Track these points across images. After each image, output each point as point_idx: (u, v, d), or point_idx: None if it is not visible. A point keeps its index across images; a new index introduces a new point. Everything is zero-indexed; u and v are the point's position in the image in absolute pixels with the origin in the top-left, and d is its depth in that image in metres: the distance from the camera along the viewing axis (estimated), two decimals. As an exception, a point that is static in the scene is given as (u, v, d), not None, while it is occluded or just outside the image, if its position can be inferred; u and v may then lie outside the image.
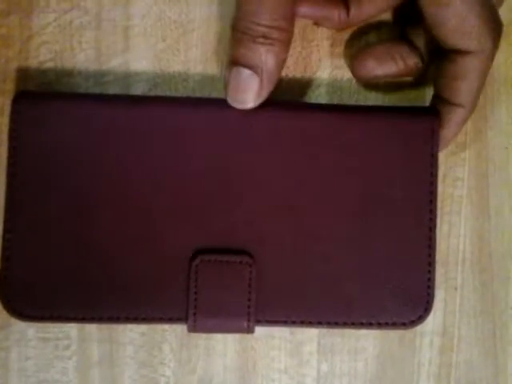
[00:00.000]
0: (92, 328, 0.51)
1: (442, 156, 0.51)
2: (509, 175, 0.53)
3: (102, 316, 0.48)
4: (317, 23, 0.52)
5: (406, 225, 0.49)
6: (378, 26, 0.53)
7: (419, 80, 0.53)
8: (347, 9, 0.50)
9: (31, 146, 0.48)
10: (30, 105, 0.48)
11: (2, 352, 0.51)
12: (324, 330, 0.52)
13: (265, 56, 0.46)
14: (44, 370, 0.51)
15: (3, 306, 0.47)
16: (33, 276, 0.48)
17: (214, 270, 0.48)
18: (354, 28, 0.53)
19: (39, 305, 0.48)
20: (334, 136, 0.49)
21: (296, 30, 0.51)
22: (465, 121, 0.50)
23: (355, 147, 0.49)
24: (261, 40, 0.45)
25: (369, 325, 0.49)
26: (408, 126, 0.50)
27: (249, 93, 0.47)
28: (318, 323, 0.49)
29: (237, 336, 0.52)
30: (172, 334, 0.51)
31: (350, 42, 0.53)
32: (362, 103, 0.53)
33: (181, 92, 0.52)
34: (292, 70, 0.53)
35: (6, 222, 0.48)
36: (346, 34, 0.53)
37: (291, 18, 0.46)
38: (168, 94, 0.52)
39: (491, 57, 0.48)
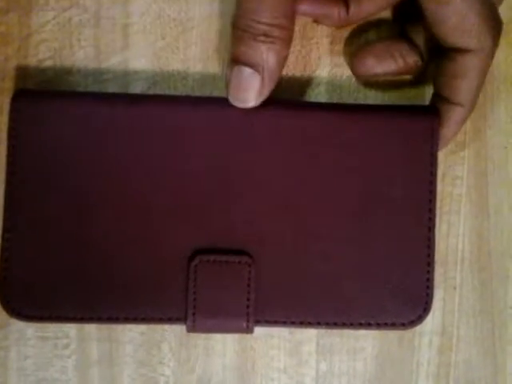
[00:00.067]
0: (91, 327, 0.51)
1: (441, 155, 0.51)
2: (508, 174, 0.53)
3: (101, 316, 0.48)
4: (316, 21, 0.52)
5: (406, 224, 0.49)
6: (377, 24, 0.53)
7: (419, 78, 0.53)
8: (347, 7, 0.50)
9: (30, 144, 0.48)
10: (29, 103, 0.48)
11: (2, 351, 0.51)
12: (323, 330, 0.52)
13: (266, 54, 0.46)
14: (43, 368, 0.51)
15: (2, 306, 0.47)
16: (32, 276, 0.47)
17: (213, 270, 0.48)
18: (354, 26, 0.53)
19: (38, 305, 0.48)
20: (333, 135, 0.49)
21: (295, 28, 0.51)
22: (464, 120, 0.50)
23: (355, 146, 0.49)
24: (262, 38, 0.45)
25: (368, 325, 0.49)
26: (408, 125, 0.50)
27: (250, 91, 0.47)
28: (318, 324, 0.49)
29: (236, 336, 0.52)
30: (171, 333, 0.51)
31: (350, 40, 0.53)
32: (362, 101, 0.53)
33: (180, 90, 0.52)
34: (291, 69, 0.53)
35: (5, 221, 0.48)
36: (345, 32, 0.53)
37: (292, 16, 0.46)
38: (167, 92, 0.52)
39: (491, 55, 0.48)
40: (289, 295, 0.49)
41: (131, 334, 0.51)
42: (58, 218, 0.48)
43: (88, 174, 0.48)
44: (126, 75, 0.52)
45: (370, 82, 0.53)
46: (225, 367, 0.52)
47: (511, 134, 0.54)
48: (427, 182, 0.49)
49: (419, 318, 0.49)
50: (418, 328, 0.51)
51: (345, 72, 0.53)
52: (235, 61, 0.46)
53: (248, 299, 0.48)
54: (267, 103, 0.48)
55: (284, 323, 0.49)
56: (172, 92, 0.52)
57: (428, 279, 0.49)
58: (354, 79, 0.53)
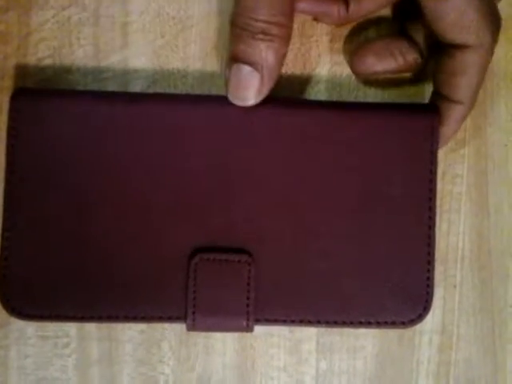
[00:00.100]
0: (91, 326, 0.51)
1: (441, 153, 0.51)
2: (508, 172, 0.53)
3: (101, 315, 0.48)
4: (316, 19, 0.52)
5: (406, 222, 0.49)
6: (377, 22, 0.53)
7: (419, 76, 0.53)
8: (346, 4, 0.50)
9: (30, 143, 0.48)
10: (28, 102, 0.48)
11: (2, 350, 0.51)
12: (323, 329, 0.52)
13: (265, 52, 0.46)
14: (43, 368, 0.51)
15: (2, 305, 0.47)
16: (32, 275, 0.47)
17: (213, 268, 0.48)
18: (354, 24, 0.53)
19: (38, 304, 0.48)
20: (333, 133, 0.49)
21: (295, 26, 0.51)
22: (464, 118, 0.50)
23: (355, 144, 0.49)
24: (260, 36, 0.45)
25: (368, 324, 0.49)
26: (407, 123, 0.49)
27: (250, 90, 0.47)
28: (318, 322, 0.49)
29: (236, 334, 0.52)
30: (171, 332, 0.51)
31: (350, 38, 0.53)
32: (362, 99, 0.53)
33: (180, 88, 0.52)
34: (291, 67, 0.53)
35: (4, 220, 0.48)
36: (345, 30, 0.53)
37: (290, 14, 0.46)
38: (167, 90, 0.52)
39: (490, 51, 0.48)
40: (289, 294, 0.49)
41: (131, 332, 0.51)
42: (58, 217, 0.48)
43: (88, 173, 0.48)
44: (126, 74, 0.52)
45: (369, 80, 0.53)
46: (225, 366, 0.52)
47: (511, 132, 0.53)
48: (427, 180, 0.49)
49: (419, 317, 0.49)
50: (418, 326, 0.51)
51: (344, 70, 0.53)
52: (234, 59, 0.46)
53: (248, 298, 0.48)
54: (267, 101, 0.48)
55: (284, 322, 0.49)
56: (172, 90, 0.52)
57: (428, 278, 0.49)
58: (353, 77, 0.53)
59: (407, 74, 0.53)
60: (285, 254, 0.49)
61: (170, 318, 0.48)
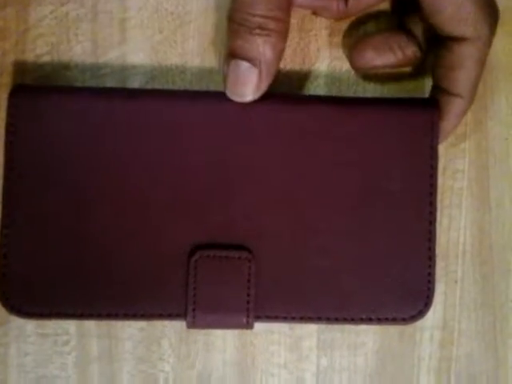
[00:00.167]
0: (91, 324, 0.51)
1: (441, 148, 0.51)
2: (509, 167, 0.53)
3: (100, 312, 0.48)
4: (315, 13, 0.52)
5: (406, 218, 0.49)
6: (376, 16, 0.53)
7: (418, 70, 0.53)
8: (346, -1, 0.50)
9: (28, 139, 0.48)
10: (26, 98, 0.48)
11: (1, 348, 0.51)
12: (323, 325, 0.52)
13: (262, 47, 0.46)
14: (43, 365, 0.51)
15: (2, 303, 0.47)
16: (31, 272, 0.47)
17: (212, 265, 0.48)
18: (353, 18, 0.53)
19: (38, 302, 0.47)
20: (332, 128, 0.49)
21: (294, 21, 0.51)
22: (464, 112, 0.49)
23: (354, 140, 0.49)
24: (257, 31, 0.45)
25: (369, 320, 0.49)
26: (407, 118, 0.49)
27: (248, 86, 0.47)
28: (318, 319, 0.49)
29: (236, 331, 0.52)
30: (171, 329, 0.51)
31: (349, 32, 0.53)
32: (361, 94, 0.53)
33: (178, 84, 0.52)
34: (290, 61, 0.52)
35: (3, 217, 0.48)
36: (344, 24, 0.53)
37: (287, 8, 0.46)
38: (165, 86, 0.52)
39: (488, 44, 0.48)
40: (289, 290, 0.48)
41: (131, 330, 0.51)
42: (57, 214, 0.48)
43: (86, 169, 0.48)
44: (124, 70, 0.52)
45: (369, 75, 0.53)
46: (225, 363, 0.52)
47: (512, 126, 0.53)
48: (427, 175, 0.49)
49: (420, 313, 0.49)
50: (419, 322, 0.50)
51: (344, 65, 0.53)
52: (232, 55, 0.46)
53: (248, 295, 0.48)
54: (265, 97, 0.48)
55: (284, 318, 0.48)
56: (170, 86, 0.52)
57: (429, 273, 0.49)
58: (352, 72, 0.53)
59: (407, 69, 0.53)
60: (284, 250, 0.49)
61: (170, 316, 0.48)
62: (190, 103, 0.49)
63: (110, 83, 0.51)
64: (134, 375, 0.51)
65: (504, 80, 0.53)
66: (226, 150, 0.48)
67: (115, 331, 0.51)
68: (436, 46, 0.49)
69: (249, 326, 0.48)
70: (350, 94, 0.53)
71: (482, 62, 0.48)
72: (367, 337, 0.52)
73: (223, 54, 0.51)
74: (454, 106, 0.49)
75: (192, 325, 0.48)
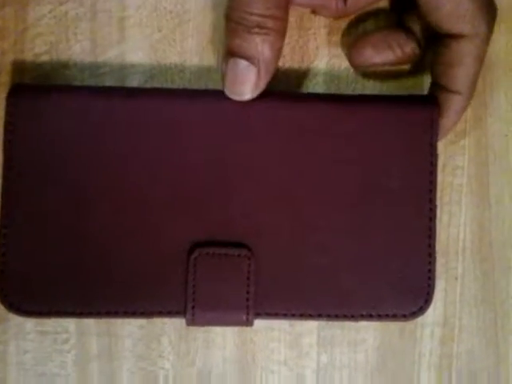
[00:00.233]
0: (90, 321, 0.51)
1: (441, 145, 0.51)
2: (509, 163, 0.53)
3: (100, 311, 0.48)
4: (314, 11, 0.52)
5: (406, 215, 0.49)
6: (375, 14, 0.53)
7: (417, 68, 0.53)
8: (344, -3, 0.50)
9: (27, 138, 0.48)
10: (25, 98, 0.48)
11: (1, 346, 0.50)
12: (324, 322, 0.51)
13: (261, 46, 0.46)
14: (42, 363, 0.51)
15: (1, 301, 0.47)
16: (30, 271, 0.47)
17: (212, 263, 0.48)
18: (352, 16, 0.53)
19: (37, 300, 0.47)
20: (332, 126, 0.49)
21: (293, 19, 0.51)
22: (463, 109, 0.49)
23: (353, 137, 0.49)
24: (256, 30, 0.45)
25: (369, 317, 0.49)
26: (407, 116, 0.49)
27: (246, 84, 0.47)
28: (318, 316, 0.49)
29: (236, 328, 0.51)
30: (171, 326, 0.51)
31: (348, 31, 0.53)
32: (360, 92, 0.53)
33: (177, 83, 0.52)
34: (289, 60, 0.52)
35: (2, 216, 0.48)
36: (343, 23, 0.53)
37: (285, 7, 0.46)
38: (164, 85, 0.52)
39: (486, 41, 0.48)
40: (288, 287, 0.48)
41: (130, 328, 0.51)
42: (56, 213, 0.48)
43: (85, 168, 0.48)
44: (123, 69, 0.52)
45: (368, 73, 0.53)
46: (225, 360, 0.51)
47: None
48: (427, 172, 0.49)
49: (421, 310, 0.49)
50: (419, 319, 0.51)
51: (343, 63, 0.53)
52: (230, 54, 0.46)
53: (248, 292, 0.48)
54: (264, 95, 0.48)
55: (284, 315, 0.48)
56: (169, 85, 0.52)
57: (429, 270, 0.49)
58: (351, 70, 0.53)
59: (405, 66, 0.53)
60: (284, 247, 0.48)
61: (170, 313, 0.48)
62: (188, 102, 0.49)
63: (109, 82, 0.52)
64: (134, 373, 0.51)
65: (503, 77, 0.53)
66: (225, 148, 0.48)
67: (115, 329, 0.51)
68: (434, 43, 0.49)
69: (248, 323, 0.48)
70: (348, 91, 0.53)
71: (480, 59, 0.48)
72: (367, 333, 0.52)
73: (222, 53, 0.51)
74: (453, 103, 0.49)
75: (191, 322, 0.48)
